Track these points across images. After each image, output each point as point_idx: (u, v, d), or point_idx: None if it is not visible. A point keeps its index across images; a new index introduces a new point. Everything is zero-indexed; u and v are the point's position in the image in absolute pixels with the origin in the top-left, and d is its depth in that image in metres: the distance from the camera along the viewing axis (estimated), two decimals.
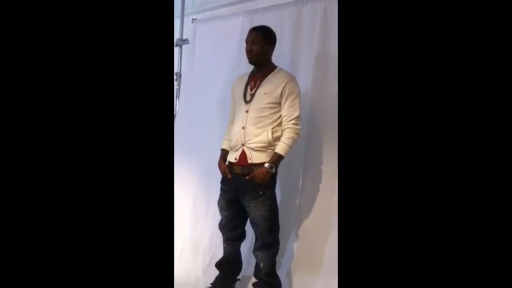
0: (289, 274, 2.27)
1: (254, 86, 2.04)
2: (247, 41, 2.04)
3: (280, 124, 1.98)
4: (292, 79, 2.00)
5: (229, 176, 2.04)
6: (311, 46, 2.30)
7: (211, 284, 2.20)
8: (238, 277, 2.24)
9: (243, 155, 1.99)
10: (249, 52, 2.02)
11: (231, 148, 2.07)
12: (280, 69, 2.07)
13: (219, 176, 2.16)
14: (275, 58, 2.13)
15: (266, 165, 1.94)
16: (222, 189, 2.13)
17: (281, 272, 2.20)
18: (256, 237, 2.08)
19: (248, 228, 2.17)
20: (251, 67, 2.12)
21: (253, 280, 2.14)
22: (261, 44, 2.01)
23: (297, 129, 1.96)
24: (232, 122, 2.15)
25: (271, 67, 2.07)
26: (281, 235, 2.10)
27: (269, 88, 1.99)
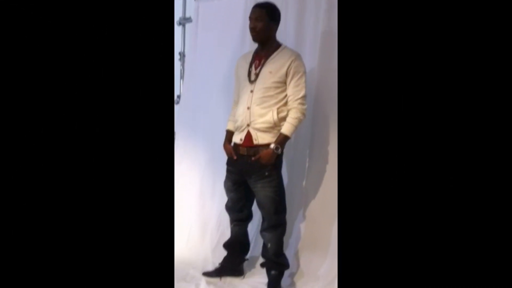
0: (296, 254, 2.29)
1: (258, 65, 2.01)
2: (250, 18, 1.99)
3: (285, 104, 1.96)
4: (298, 57, 1.97)
5: (235, 158, 2.04)
6: (317, 23, 2.25)
7: (219, 264, 2.23)
8: (246, 257, 2.26)
9: (248, 136, 1.98)
10: (252, 29, 1.98)
11: (236, 129, 2.06)
12: (285, 47, 2.04)
13: (225, 157, 2.15)
14: (280, 36, 2.09)
15: (272, 145, 1.93)
16: (228, 171, 2.13)
17: (288, 253, 2.22)
18: (263, 218, 2.09)
19: (256, 209, 2.18)
20: (256, 45, 2.08)
21: (261, 260, 2.16)
22: (265, 22, 1.97)
23: (303, 109, 1.94)
24: (236, 102, 2.13)
25: (276, 45, 2.03)
26: (288, 216, 2.11)
27: (274, 66, 1.96)
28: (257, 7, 2.00)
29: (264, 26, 1.96)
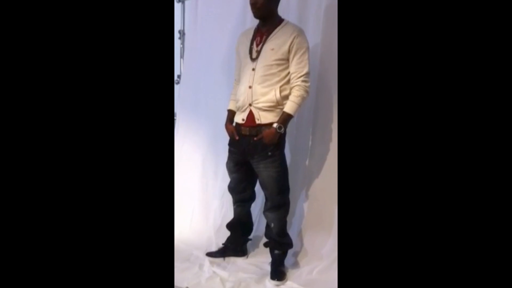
0: (300, 234, 2.31)
1: (260, 42, 1.97)
2: None
3: (288, 81, 1.93)
4: (301, 33, 1.92)
5: (237, 138, 2.02)
6: None
7: (222, 244, 2.25)
8: (250, 237, 2.28)
9: (250, 115, 1.96)
10: (253, 5, 1.92)
11: (238, 109, 2.04)
12: (287, 22, 1.98)
13: (226, 137, 2.14)
14: (282, 10, 2.04)
15: (275, 125, 1.91)
16: (230, 151, 2.12)
17: (292, 232, 2.24)
18: (266, 198, 2.09)
19: (259, 189, 2.17)
20: (257, 22, 2.03)
21: (265, 240, 2.17)
22: None
23: (306, 86, 1.91)
24: (238, 81, 2.10)
25: (278, 21, 1.98)
26: (291, 196, 2.11)
27: (276, 43, 1.92)
28: None
29: (265, 1, 1.91)
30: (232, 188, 2.19)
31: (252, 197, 2.21)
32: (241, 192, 2.17)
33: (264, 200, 2.13)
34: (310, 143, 2.32)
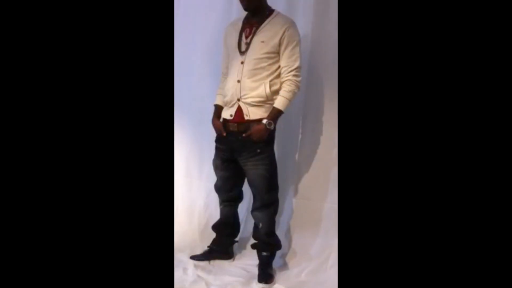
0: (288, 233, 2.32)
1: (249, 34, 1.94)
2: None
3: (278, 76, 1.91)
4: (292, 25, 1.90)
5: (224, 134, 2.00)
6: None
7: (208, 246, 2.23)
8: (236, 239, 2.27)
9: (239, 111, 1.93)
10: None
11: (226, 104, 2.01)
12: (278, 13, 1.96)
13: (212, 134, 2.11)
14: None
15: (264, 121, 1.89)
16: (217, 148, 2.09)
17: (279, 232, 2.24)
18: (254, 197, 2.07)
19: (246, 188, 2.16)
20: (244, 12, 1.99)
21: (252, 241, 2.17)
22: None
23: (297, 81, 1.90)
24: (225, 74, 2.07)
25: (268, 12, 1.95)
26: (279, 193, 2.10)
27: (266, 35, 1.89)
28: None
29: None
30: (218, 187, 2.16)
31: (239, 197, 2.20)
32: (228, 191, 2.15)
33: (252, 200, 2.11)
34: (300, 136, 2.31)
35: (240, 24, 1.99)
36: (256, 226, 2.09)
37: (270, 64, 1.88)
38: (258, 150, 1.92)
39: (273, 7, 1.99)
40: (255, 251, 2.11)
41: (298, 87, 1.90)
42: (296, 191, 2.32)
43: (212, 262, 2.16)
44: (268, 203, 2.02)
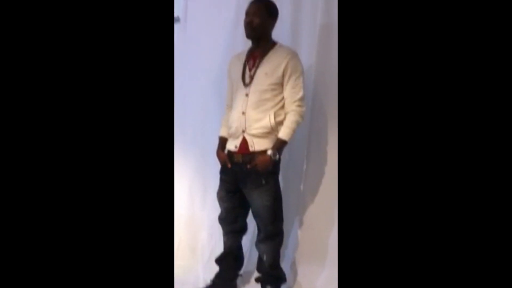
0: (293, 266, 2.27)
1: (253, 66, 1.97)
2: (247, 13, 1.95)
3: (282, 106, 1.93)
4: (294, 56, 1.93)
5: (229, 166, 2.00)
6: (315, 15, 2.20)
7: (211, 280, 2.18)
8: (240, 272, 2.22)
9: (244, 142, 1.94)
10: (248, 24, 1.93)
11: (231, 136, 2.02)
12: (281, 45, 2.00)
13: (215, 164, 2.11)
14: (274, 31, 2.03)
15: (269, 152, 1.89)
16: (221, 180, 2.09)
17: (285, 264, 2.20)
18: (259, 228, 2.06)
19: (250, 220, 2.13)
20: (249, 44, 2.03)
21: (256, 274, 2.13)
22: (262, 17, 1.93)
23: (301, 111, 1.92)
24: (230, 106, 2.08)
25: (271, 44, 1.99)
26: (284, 224, 2.08)
27: (270, 67, 1.92)
28: (255, 1, 1.95)
29: (261, 22, 1.93)
30: (222, 219, 2.14)
31: (244, 228, 2.17)
32: (232, 223, 2.12)
33: (256, 231, 2.09)
34: (304, 166, 2.30)
35: (244, 56, 2.02)
36: (260, 259, 2.06)
37: (274, 95, 1.91)
38: (263, 181, 1.92)
39: (277, 39, 2.03)
40: (259, 285, 2.07)
41: (302, 117, 1.92)
42: (301, 222, 2.29)
43: None
44: (273, 235, 2.01)
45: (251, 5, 1.94)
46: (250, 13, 1.92)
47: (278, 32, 2.07)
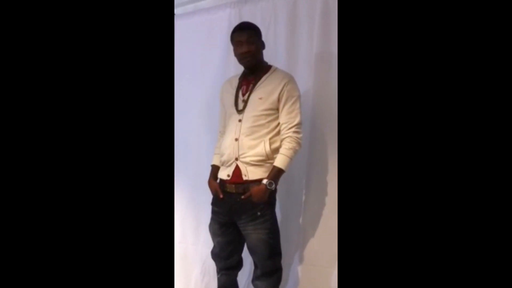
0: None
1: (246, 91, 1.96)
2: (240, 42, 1.93)
3: (278, 133, 1.91)
4: (291, 80, 1.93)
5: (221, 196, 1.96)
6: (311, 40, 2.22)
7: None
8: None
9: (237, 170, 1.91)
10: (247, 54, 1.92)
11: (223, 164, 1.99)
12: (276, 68, 2.00)
13: (209, 195, 2.07)
14: (269, 55, 2.06)
15: (265, 181, 1.86)
16: (213, 212, 2.05)
17: None
18: (255, 264, 2.00)
19: (246, 255, 2.08)
20: (241, 68, 2.03)
21: None
22: (257, 43, 1.94)
23: (298, 138, 1.89)
24: (222, 133, 2.07)
25: (266, 67, 1.99)
26: (283, 260, 2.02)
27: (265, 92, 1.91)
28: (245, 29, 1.95)
29: (257, 48, 1.94)
30: (216, 254, 2.08)
31: (239, 264, 2.11)
32: (226, 259, 2.06)
33: (253, 267, 2.03)
34: (303, 197, 2.27)
35: (236, 81, 2.02)
36: None
37: (269, 121, 1.89)
38: (259, 213, 1.87)
39: (273, 62, 2.03)
40: None
41: (299, 144, 1.89)
42: (301, 258, 2.24)
43: None
44: (271, 271, 1.94)
45: (242, 33, 1.93)
46: (244, 42, 1.91)
47: (273, 58, 2.09)
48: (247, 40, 1.91)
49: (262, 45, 1.98)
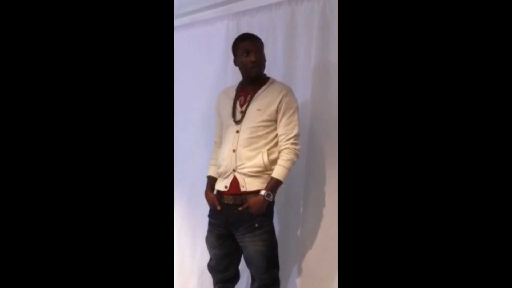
0: None
1: (244, 102, 1.97)
2: (248, 50, 1.92)
3: (276, 144, 1.91)
4: (289, 92, 1.93)
5: (219, 208, 1.95)
6: (309, 51, 2.23)
7: None
8: None
9: (234, 182, 1.90)
10: (255, 63, 1.92)
11: (220, 175, 1.98)
12: (274, 80, 2.01)
13: (205, 207, 2.06)
14: (267, 67, 2.05)
15: (262, 192, 1.85)
16: (210, 224, 2.04)
17: None
18: (253, 277, 1.98)
19: (243, 267, 2.07)
20: (239, 79, 2.04)
21: None
22: (263, 53, 1.97)
23: (296, 149, 1.89)
24: (218, 144, 2.07)
25: (264, 79, 2.00)
26: (281, 273, 2.01)
27: (263, 103, 1.92)
28: (252, 38, 1.96)
29: (264, 58, 1.97)
30: (212, 267, 2.07)
31: (236, 277, 2.10)
32: (223, 271, 2.05)
33: (250, 280, 2.01)
34: (301, 209, 2.25)
35: (233, 92, 2.03)
36: None
37: (267, 133, 1.89)
38: (256, 225, 1.86)
39: (271, 73, 2.04)
40: None
41: (297, 155, 1.89)
42: (300, 270, 2.21)
43: None
44: (268, 284, 1.93)
45: (251, 42, 1.93)
46: (253, 50, 1.91)
47: (271, 69, 2.09)
48: (256, 49, 1.92)
49: (264, 56, 2.00)
